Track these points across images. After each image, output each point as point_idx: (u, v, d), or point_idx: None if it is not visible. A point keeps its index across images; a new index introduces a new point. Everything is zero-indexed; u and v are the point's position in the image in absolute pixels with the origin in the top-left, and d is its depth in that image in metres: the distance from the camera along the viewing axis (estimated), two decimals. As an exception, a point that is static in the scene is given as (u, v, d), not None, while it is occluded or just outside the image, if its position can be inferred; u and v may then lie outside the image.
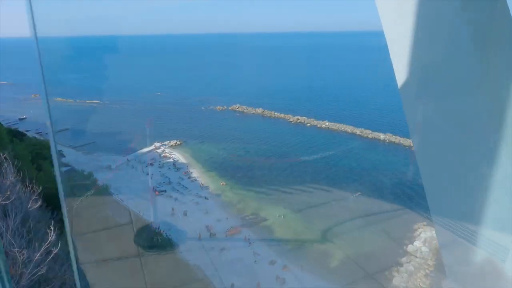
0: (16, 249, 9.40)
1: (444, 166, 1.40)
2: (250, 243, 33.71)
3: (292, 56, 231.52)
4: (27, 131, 64.17)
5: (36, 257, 9.35)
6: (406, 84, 1.27)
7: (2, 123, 62.61)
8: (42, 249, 9.79)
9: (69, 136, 66.00)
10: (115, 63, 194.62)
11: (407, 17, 0.96)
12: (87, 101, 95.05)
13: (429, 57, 1.01)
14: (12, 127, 65.19)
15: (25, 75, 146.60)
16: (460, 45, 0.76)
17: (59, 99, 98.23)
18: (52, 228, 10.30)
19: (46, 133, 66.67)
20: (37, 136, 59.43)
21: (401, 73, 1.27)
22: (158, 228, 34.54)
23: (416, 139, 1.52)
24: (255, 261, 30.89)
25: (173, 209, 38.77)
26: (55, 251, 10.48)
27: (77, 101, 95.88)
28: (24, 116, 77.36)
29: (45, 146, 42.15)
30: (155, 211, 37.56)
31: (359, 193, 43.35)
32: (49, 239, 10.20)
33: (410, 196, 42.15)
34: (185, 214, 38.39)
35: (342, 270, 29.98)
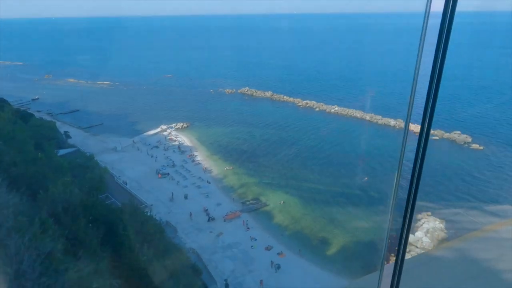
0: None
1: None
2: (248, 227, 33.69)
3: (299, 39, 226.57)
4: (38, 111, 65.27)
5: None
6: None
7: (15, 103, 63.86)
8: None
9: (79, 117, 66.89)
10: (126, 45, 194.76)
11: None
12: (98, 82, 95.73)
13: None
14: (25, 107, 66.50)
15: (37, 56, 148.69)
16: None
17: (71, 80, 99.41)
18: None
19: (57, 114, 67.83)
20: (47, 117, 60.40)
21: None
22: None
23: None
24: (252, 246, 30.89)
25: (172, 194, 38.91)
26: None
27: (88, 82, 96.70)
28: (37, 97, 78.64)
29: (51, 127, 42.73)
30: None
31: (366, 178, 42.94)
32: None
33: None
34: (185, 197, 38.56)
35: (338, 259, 29.69)
